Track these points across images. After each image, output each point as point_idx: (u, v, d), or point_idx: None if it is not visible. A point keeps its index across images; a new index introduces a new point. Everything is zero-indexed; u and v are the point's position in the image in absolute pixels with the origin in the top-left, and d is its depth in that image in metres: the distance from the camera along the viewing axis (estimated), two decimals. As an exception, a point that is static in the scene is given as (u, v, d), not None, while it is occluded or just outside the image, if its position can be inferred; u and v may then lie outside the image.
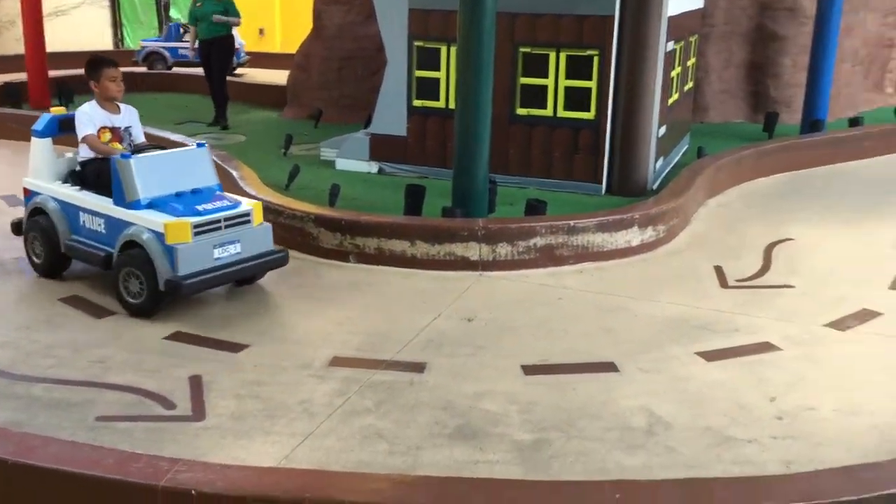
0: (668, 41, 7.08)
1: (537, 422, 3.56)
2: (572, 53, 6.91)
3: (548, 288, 5.16)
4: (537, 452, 3.31)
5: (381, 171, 7.64)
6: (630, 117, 6.94)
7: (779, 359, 4.20)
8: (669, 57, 7.27)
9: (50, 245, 5.00)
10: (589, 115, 6.99)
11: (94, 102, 5.01)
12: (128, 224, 4.58)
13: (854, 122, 9.33)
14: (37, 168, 5.12)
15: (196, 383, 3.84)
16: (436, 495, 2.68)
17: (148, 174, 4.61)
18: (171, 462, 2.86)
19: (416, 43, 7.31)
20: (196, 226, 4.47)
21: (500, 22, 6.89)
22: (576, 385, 3.90)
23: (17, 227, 5.28)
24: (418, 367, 4.05)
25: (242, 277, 4.84)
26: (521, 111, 7.16)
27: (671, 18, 7.09)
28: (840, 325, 4.62)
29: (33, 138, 5.11)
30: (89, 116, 4.93)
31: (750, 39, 10.34)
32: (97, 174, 4.87)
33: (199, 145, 4.97)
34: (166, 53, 15.79)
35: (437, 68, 7.33)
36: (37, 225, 5.04)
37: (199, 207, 4.57)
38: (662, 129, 7.41)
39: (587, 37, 6.84)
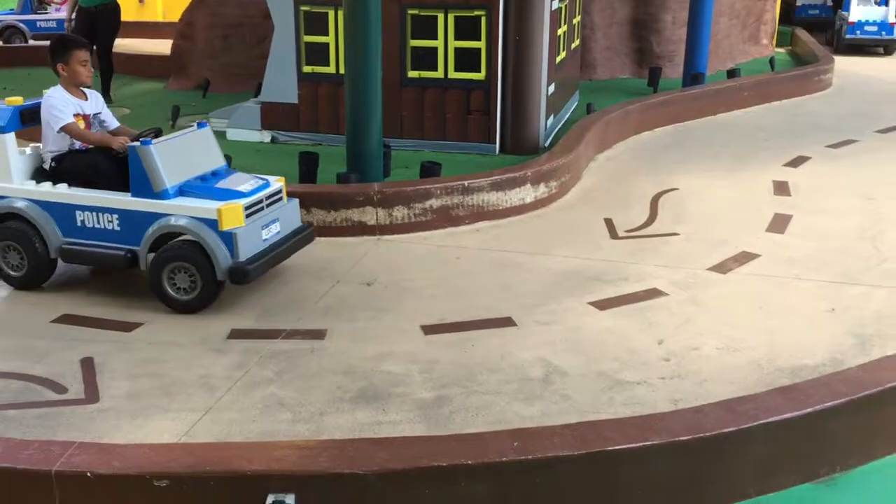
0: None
1: (438, 379, 3.63)
2: (460, 14, 6.93)
3: (446, 248, 5.22)
4: (439, 409, 3.38)
5: (273, 139, 7.51)
6: (520, 76, 7.03)
7: (666, 303, 4.40)
8: (555, 15, 7.38)
9: (33, 252, 4.43)
10: (480, 75, 7.05)
11: (60, 88, 4.52)
12: (158, 216, 4.20)
13: (732, 73, 9.73)
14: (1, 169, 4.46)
15: (88, 365, 3.74)
16: (338, 457, 2.71)
17: (170, 160, 4.25)
18: (64, 446, 2.78)
19: (303, 7, 7.17)
20: (246, 207, 4.22)
21: (386, -16, 6.87)
22: (475, 341, 3.98)
23: None
24: (319, 335, 4.05)
25: (286, 258, 4.52)
26: (412, 74, 7.15)
27: (555, -24, 7.19)
28: (722, 268, 4.86)
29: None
30: (64, 103, 4.44)
31: (633, -4, 10.59)
32: (89, 166, 4.41)
33: (200, 125, 4.59)
34: (23, 27, 14.97)
35: (326, 33, 7.21)
36: (9, 232, 4.45)
37: (239, 188, 4.31)
38: (552, 87, 7.54)
39: (474, -3, 6.87)
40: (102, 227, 4.35)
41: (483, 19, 6.90)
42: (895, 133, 7.99)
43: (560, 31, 7.78)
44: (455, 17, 6.95)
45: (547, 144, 7.20)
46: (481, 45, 6.96)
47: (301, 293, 4.53)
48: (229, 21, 10.05)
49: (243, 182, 4.43)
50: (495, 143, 7.13)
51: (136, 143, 4.25)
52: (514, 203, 5.72)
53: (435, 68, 7.12)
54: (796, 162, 7.06)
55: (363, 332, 4.08)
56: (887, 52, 13.32)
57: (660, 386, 3.58)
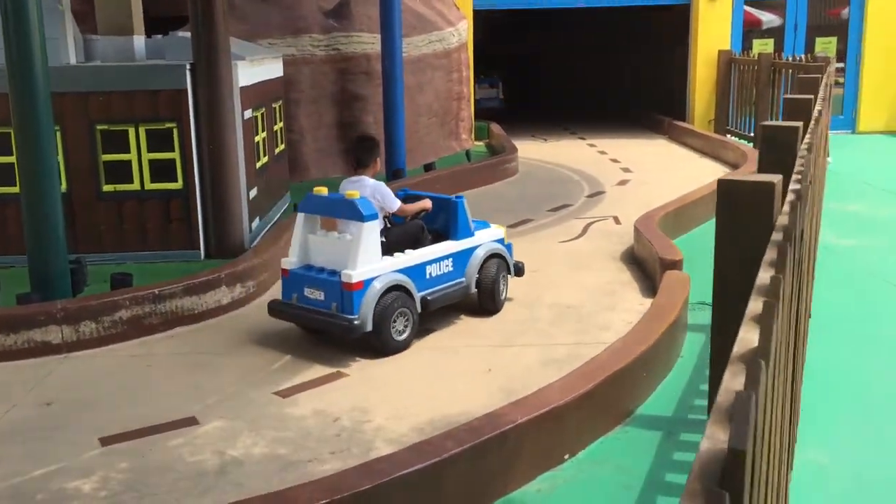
0: (244, 109, 7.57)
1: (110, 489, 3.66)
2: (151, 127, 7.10)
3: (137, 358, 5.24)
4: (108, 517, 3.42)
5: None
6: (218, 183, 7.28)
7: (346, 384, 4.76)
8: (249, 123, 7.77)
9: (414, 313, 5.22)
10: (177, 184, 7.21)
11: (371, 178, 5.52)
12: (475, 247, 5.69)
13: (428, 167, 10.67)
14: (370, 254, 5.07)
15: None
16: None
17: None
18: None
19: (-19, 128, 6.97)
20: None
21: (71, 102, 6.90)
22: (154, 445, 4.06)
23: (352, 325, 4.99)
24: (-14, 463, 3.91)
25: None
26: (107, 188, 7.15)
27: (245, 88, 7.61)
28: (401, 345, 5.33)
29: (364, 224, 5.02)
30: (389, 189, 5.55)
31: (336, 101, 11.33)
32: (418, 230, 5.53)
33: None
34: None
35: (10, 153, 7.04)
36: (401, 303, 5.12)
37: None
38: (254, 191, 7.87)
39: (163, 110, 7.08)
40: (441, 272, 5.50)
41: (175, 131, 7.11)
42: (562, 211, 9.17)
43: (258, 139, 8.18)
44: (146, 130, 7.10)
45: (254, 246, 7.45)
46: (175, 155, 7.16)
47: (-29, 423, 4.34)
48: None
49: None
50: (199, 249, 7.28)
51: (453, 198, 5.72)
52: (210, 306, 5.88)
53: (131, 181, 7.18)
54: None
55: (34, 453, 4.00)
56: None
57: (329, 459, 3.87)
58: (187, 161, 7.15)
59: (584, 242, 7.81)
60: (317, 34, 11.18)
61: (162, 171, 7.16)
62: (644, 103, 17.16)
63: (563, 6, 15.19)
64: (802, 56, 11.90)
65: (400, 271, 5.18)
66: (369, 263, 5.03)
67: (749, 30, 14.94)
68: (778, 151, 3.37)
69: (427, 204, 5.65)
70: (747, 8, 14.97)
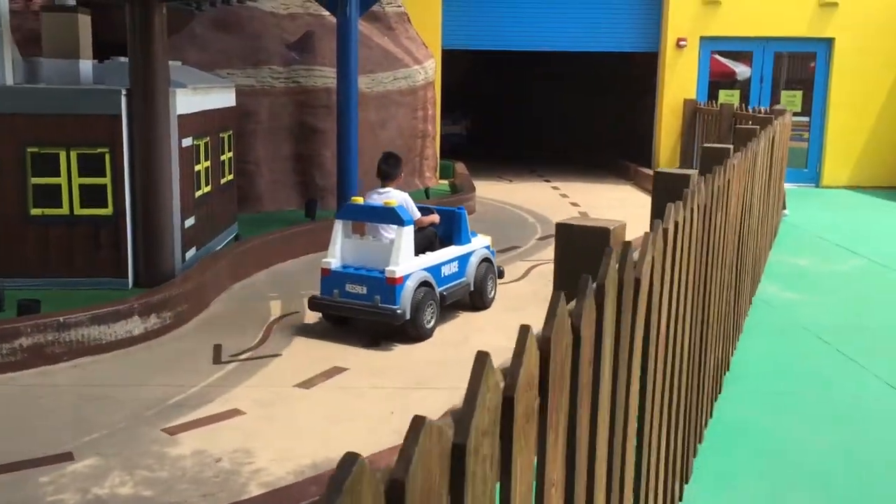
0: (182, 137, 7.47)
1: (-43, 526, 3.47)
2: (83, 152, 6.98)
3: (33, 388, 5.06)
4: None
5: None
6: (150, 211, 7.15)
7: (240, 423, 4.58)
8: (188, 152, 7.66)
9: (437, 304, 6.10)
10: (107, 210, 7.06)
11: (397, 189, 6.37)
12: (472, 252, 6.65)
13: (381, 203, 10.56)
14: (408, 253, 5.92)
15: None
16: None
17: None
18: None
19: None
20: None
21: (1, 122, 6.78)
22: (22, 481, 3.87)
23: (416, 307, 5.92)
24: None
25: None
26: (35, 211, 7.00)
27: (185, 116, 7.51)
28: (308, 383, 5.17)
29: (404, 228, 5.90)
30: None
31: (294, 134, 11.27)
32: (432, 236, 6.49)
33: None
34: None
35: (-64, 171, 6.90)
36: (429, 296, 6.01)
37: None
38: (191, 221, 7.73)
39: (96, 135, 6.96)
40: (451, 272, 6.37)
41: (107, 156, 7.00)
42: (510, 252, 9.06)
43: (200, 167, 8.07)
44: (78, 154, 6.98)
45: (177, 277, 7.29)
46: (107, 181, 7.03)
47: None
48: None
49: None
50: (127, 277, 7.11)
51: (456, 210, 6.76)
52: (120, 336, 5.71)
53: (60, 205, 7.04)
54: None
55: None
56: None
57: (198, 502, 3.69)
58: (119, 187, 7.02)
59: (524, 285, 7.69)
60: (277, 66, 11.15)
61: (93, 196, 7.02)
62: (615, 148, 17.22)
63: (532, 49, 15.28)
64: (763, 108, 11.95)
65: (426, 269, 6.08)
66: (407, 262, 5.90)
67: (722, 81, 15.06)
68: (669, 198, 3.28)
69: (436, 218, 6.60)
70: (721, 59, 15.10)
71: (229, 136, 9.29)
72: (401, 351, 5.81)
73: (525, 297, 7.27)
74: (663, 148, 14.68)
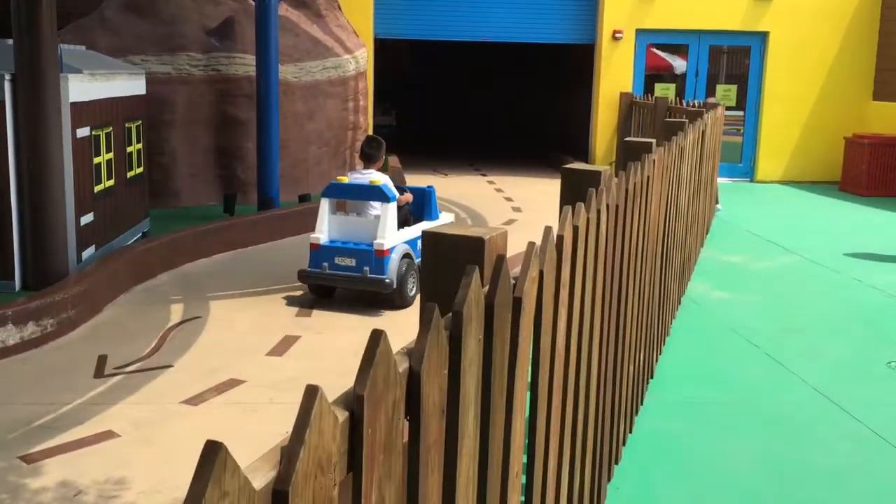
0: (78, 128, 6.89)
1: None
2: (-38, 142, 6.36)
3: None
4: None
5: None
6: (38, 208, 6.56)
7: (111, 447, 4.11)
8: (84, 143, 7.08)
9: (417, 274, 6.53)
10: (-9, 207, 6.47)
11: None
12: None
13: (303, 198, 10.09)
14: (392, 227, 6.40)
15: None
16: None
17: None
18: None
19: None
20: None
21: None
22: None
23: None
24: None
25: None
26: None
27: (80, 105, 6.93)
28: (197, 399, 4.70)
29: (390, 204, 6.39)
30: None
31: (214, 125, 10.69)
32: (409, 214, 6.90)
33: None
34: None
35: None
36: (411, 267, 6.50)
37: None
38: (88, 217, 7.16)
39: (-24, 124, 6.35)
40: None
41: (-11, 148, 6.39)
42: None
43: (100, 160, 7.49)
44: (-44, 145, 6.36)
45: (64, 280, 6.72)
46: (-10, 175, 6.42)
47: None
48: None
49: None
50: (14, 279, 6.52)
51: (426, 188, 7.25)
52: (-9, 347, 5.16)
53: (-62, 200, 6.41)
54: (335, 282, 7.32)
55: None
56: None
57: (45, 547, 3.22)
58: (3, 182, 6.43)
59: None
60: (195, 53, 10.56)
61: (-26, 191, 6.42)
62: (552, 141, 16.97)
63: (467, 39, 14.91)
64: (697, 101, 11.78)
65: (406, 242, 6.53)
66: (392, 235, 6.36)
67: (660, 74, 14.90)
68: (579, 198, 2.93)
69: (410, 197, 7.01)
70: (658, 52, 14.94)
71: (138, 127, 8.68)
72: (307, 358, 5.38)
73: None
74: (599, 141, 14.45)
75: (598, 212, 2.96)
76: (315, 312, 6.42)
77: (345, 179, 6.75)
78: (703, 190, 8.02)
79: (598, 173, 3.24)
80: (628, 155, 4.48)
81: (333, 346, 5.64)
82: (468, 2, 14.24)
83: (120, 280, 6.67)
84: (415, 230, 6.72)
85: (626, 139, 4.74)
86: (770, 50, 14.19)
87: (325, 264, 6.42)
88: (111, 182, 7.78)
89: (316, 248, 6.47)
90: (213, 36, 10.89)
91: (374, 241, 6.28)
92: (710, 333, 6.19)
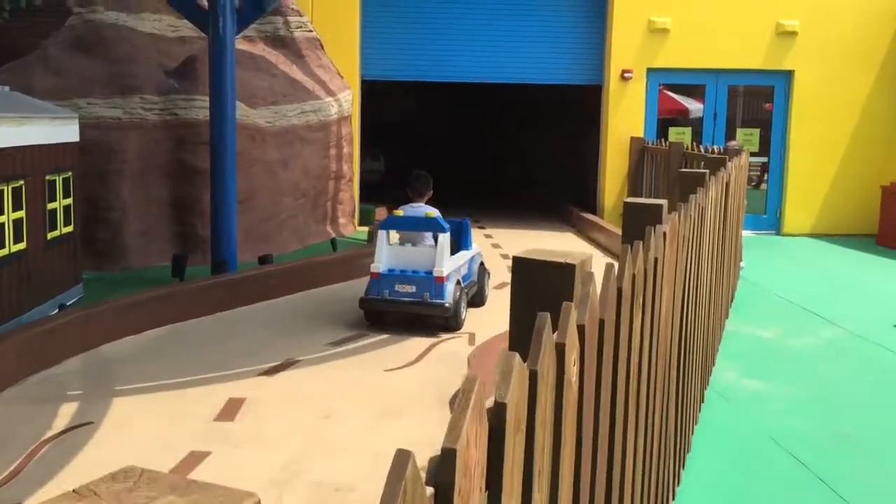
0: (-33, 182, 5.70)
1: None
2: None
3: None
4: None
5: None
6: None
7: None
8: (-23, 201, 5.88)
9: (466, 299, 7.09)
10: None
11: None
12: (475, 255, 7.60)
13: (263, 259, 8.85)
14: (447, 256, 6.81)
15: None
16: None
17: None
18: None
19: None
20: None
21: None
22: None
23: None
24: None
25: None
26: None
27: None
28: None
29: (446, 235, 6.80)
30: None
31: (171, 175, 9.50)
32: (453, 244, 7.16)
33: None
34: None
35: None
36: (462, 292, 6.94)
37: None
38: (-17, 289, 5.92)
39: None
40: (467, 272, 7.32)
41: None
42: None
43: (3, 218, 6.28)
44: None
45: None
46: None
47: None
48: None
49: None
50: None
51: (464, 220, 7.62)
52: None
53: None
54: (278, 368, 5.96)
55: None
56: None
57: None
58: None
59: (415, 372, 5.97)
60: (150, 94, 9.43)
61: None
62: (557, 189, 15.74)
63: (461, 80, 13.78)
64: (716, 147, 10.50)
65: (456, 270, 6.93)
66: (448, 263, 6.75)
67: (675, 119, 13.69)
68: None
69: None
70: (673, 95, 13.75)
71: (66, 179, 7.50)
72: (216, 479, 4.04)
73: (412, 393, 5.54)
74: (608, 191, 13.18)
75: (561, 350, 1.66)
76: (241, 413, 5.10)
77: (400, 213, 7.14)
78: (727, 252, 6.69)
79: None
80: (632, 220, 3.19)
81: (250, 468, 4.31)
82: (463, 41, 13.14)
83: (10, 369, 5.39)
84: (458, 259, 7.14)
85: (627, 200, 3.45)
86: (795, 90, 12.93)
87: (386, 291, 6.74)
88: (19, 246, 6.56)
89: (376, 277, 6.79)
90: (173, 76, 9.79)
91: (434, 269, 6.67)
92: (742, 445, 4.82)
